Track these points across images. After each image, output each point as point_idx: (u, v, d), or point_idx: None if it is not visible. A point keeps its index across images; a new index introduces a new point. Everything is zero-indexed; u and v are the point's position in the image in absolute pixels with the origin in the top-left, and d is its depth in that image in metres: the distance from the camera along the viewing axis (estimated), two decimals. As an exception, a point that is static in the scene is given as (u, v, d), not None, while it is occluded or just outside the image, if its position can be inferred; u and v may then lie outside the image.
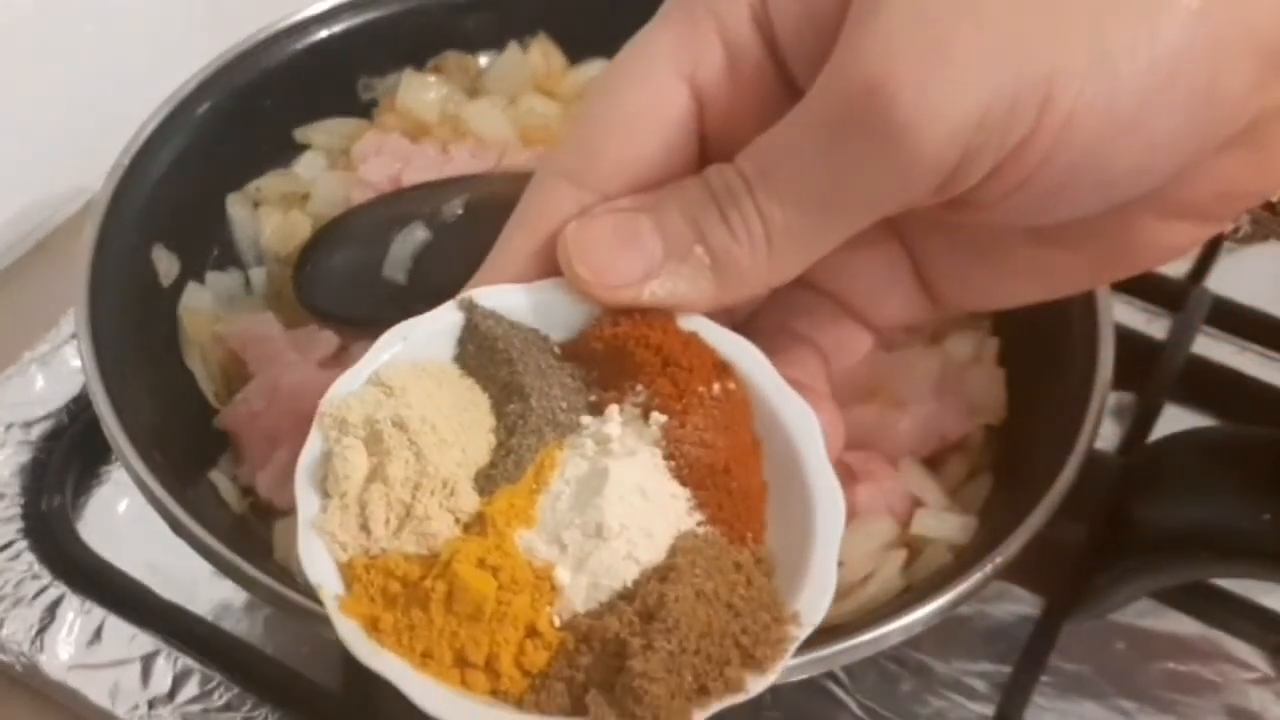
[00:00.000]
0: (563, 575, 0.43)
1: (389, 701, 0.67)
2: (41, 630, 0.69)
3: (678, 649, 0.42)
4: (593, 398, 0.47)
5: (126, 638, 0.69)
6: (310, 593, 0.58)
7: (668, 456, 0.45)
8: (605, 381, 0.47)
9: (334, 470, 0.45)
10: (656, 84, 0.46)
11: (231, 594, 0.72)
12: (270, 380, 0.68)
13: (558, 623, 0.43)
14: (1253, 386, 0.83)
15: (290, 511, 0.66)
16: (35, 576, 0.71)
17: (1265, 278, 0.89)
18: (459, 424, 0.46)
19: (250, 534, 0.66)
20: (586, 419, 0.47)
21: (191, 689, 0.68)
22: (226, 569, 0.57)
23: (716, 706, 0.43)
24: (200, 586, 0.72)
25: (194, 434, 0.69)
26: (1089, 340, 0.64)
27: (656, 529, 0.44)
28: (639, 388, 0.46)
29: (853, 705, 0.69)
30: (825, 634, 0.59)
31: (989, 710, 0.68)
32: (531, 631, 0.43)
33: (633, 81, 0.46)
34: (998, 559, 0.57)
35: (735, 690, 0.43)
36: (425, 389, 0.46)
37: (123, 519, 0.76)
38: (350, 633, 0.43)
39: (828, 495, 0.45)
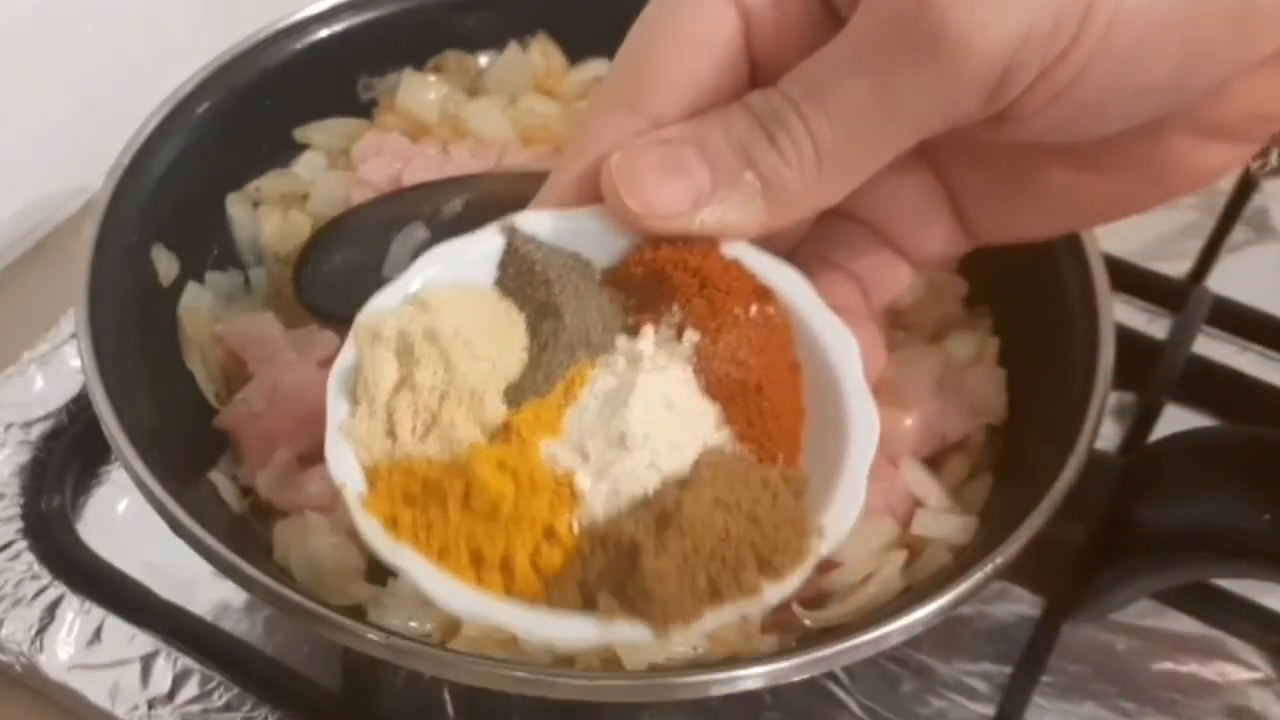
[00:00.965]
0: (583, 482, 0.44)
1: (389, 701, 0.68)
2: (41, 630, 0.69)
3: (691, 551, 0.42)
4: (630, 321, 0.48)
5: (126, 638, 0.69)
6: (310, 592, 0.59)
7: (699, 373, 0.46)
8: (643, 306, 0.48)
9: (364, 378, 0.46)
10: (705, 7, 0.46)
11: (231, 594, 0.72)
12: (270, 380, 0.68)
13: (576, 529, 0.44)
14: (1253, 386, 0.83)
15: (290, 512, 0.66)
16: (35, 576, 0.71)
17: (1266, 278, 0.90)
18: (492, 340, 0.47)
19: (250, 534, 0.66)
20: (621, 340, 0.47)
21: (191, 689, 0.68)
22: (226, 569, 0.57)
23: (730, 611, 0.43)
24: (200, 587, 0.72)
25: (194, 434, 0.69)
26: (1089, 340, 0.64)
27: (682, 441, 0.45)
28: (675, 309, 0.47)
29: (853, 705, 0.69)
30: (825, 634, 0.59)
31: (989, 710, 0.68)
32: (549, 535, 0.43)
33: (681, 6, 0.47)
34: (998, 559, 0.57)
35: (750, 594, 0.43)
36: (460, 307, 0.47)
37: (122, 519, 0.76)
38: (370, 529, 0.44)
39: (863, 417, 0.46)
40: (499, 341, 0.47)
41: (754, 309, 0.47)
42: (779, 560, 0.43)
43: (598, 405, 0.45)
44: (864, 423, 0.46)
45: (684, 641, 0.45)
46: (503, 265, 0.49)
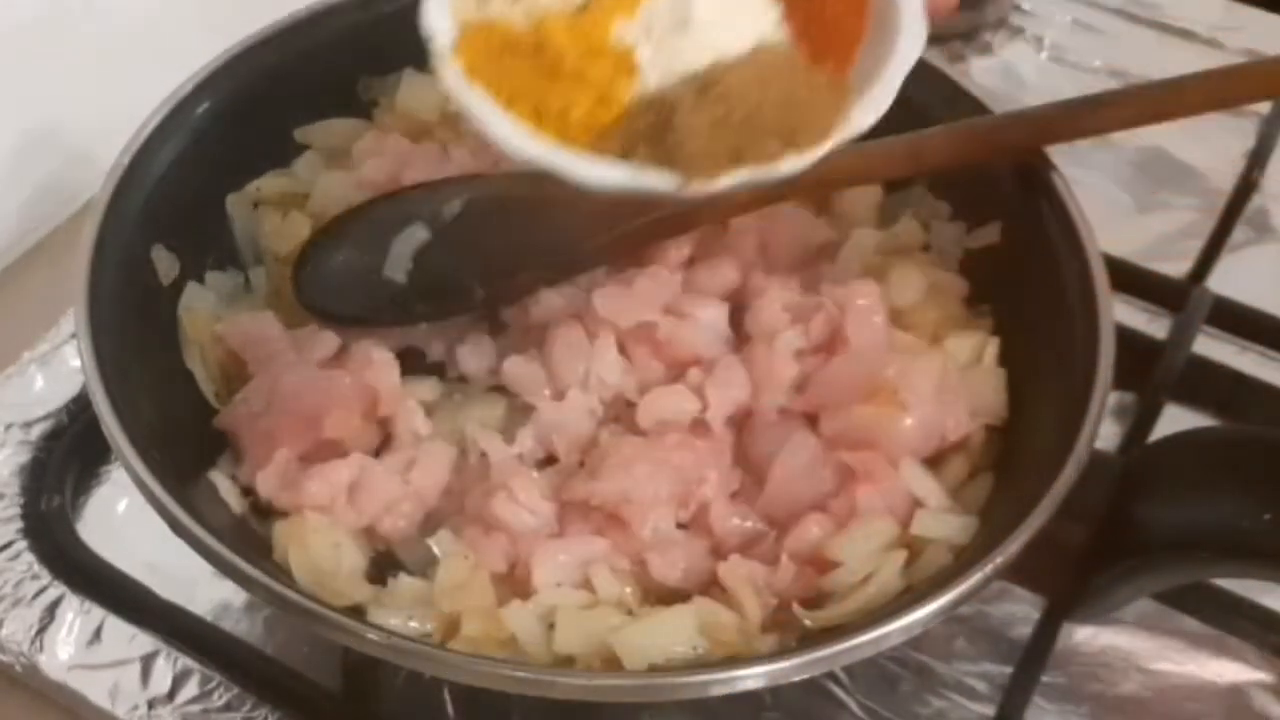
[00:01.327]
0: (643, 54, 0.50)
1: (389, 701, 0.68)
2: (41, 630, 0.69)
3: (724, 115, 0.48)
4: None
5: (126, 638, 0.69)
6: (310, 592, 0.59)
7: None
8: None
9: None
10: None
11: (231, 594, 0.72)
12: (270, 380, 0.68)
13: (628, 97, 0.50)
14: (1254, 386, 0.83)
15: (290, 512, 0.66)
16: (35, 576, 0.71)
17: (1266, 278, 0.90)
18: None
19: (250, 534, 0.66)
20: None
21: (191, 689, 0.68)
22: (226, 569, 0.57)
23: (748, 173, 0.49)
24: (200, 586, 0.72)
25: (193, 434, 0.69)
26: (1089, 340, 0.64)
27: (740, 32, 0.50)
28: None
29: (853, 705, 0.69)
30: (825, 634, 0.59)
31: (990, 710, 0.68)
32: (604, 99, 0.50)
33: None
34: (998, 559, 0.57)
35: (770, 161, 0.49)
36: None
37: (122, 519, 0.76)
38: (451, 73, 0.51)
39: (912, 34, 0.53)
40: None
41: None
42: (802, 138, 0.49)
43: None
44: (911, 39, 0.53)
45: (701, 192, 0.50)
46: None
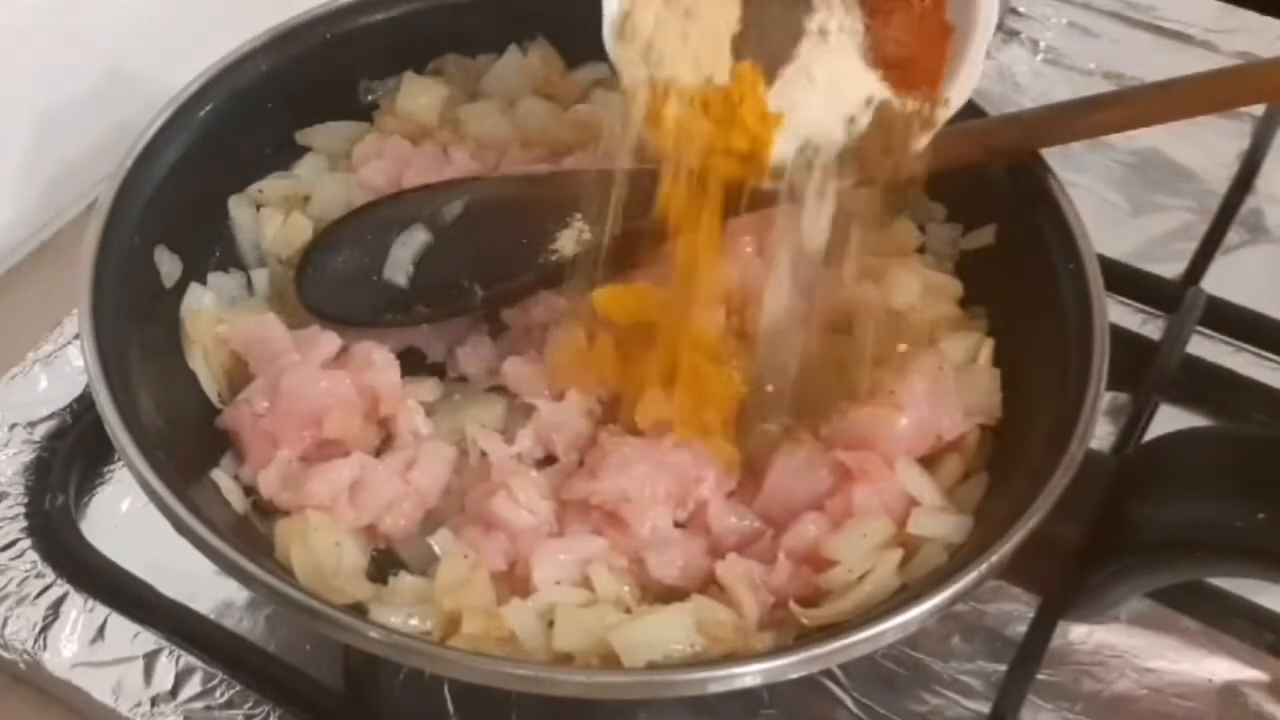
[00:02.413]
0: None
1: (389, 699, 0.68)
2: (45, 628, 0.70)
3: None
4: None
5: (129, 636, 0.70)
6: (311, 591, 0.59)
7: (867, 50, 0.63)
8: None
9: None
10: None
11: (233, 592, 0.72)
12: (272, 380, 0.69)
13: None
14: (1247, 386, 0.84)
15: (291, 511, 0.66)
16: (39, 575, 0.72)
17: (1260, 279, 0.90)
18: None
19: (252, 533, 0.67)
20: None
21: (194, 686, 0.68)
22: (228, 567, 0.58)
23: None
24: (202, 585, 0.72)
25: (196, 433, 0.69)
26: (1084, 341, 0.64)
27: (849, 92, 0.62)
28: None
29: (849, 703, 0.69)
30: (822, 632, 0.60)
31: (984, 708, 0.69)
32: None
33: None
34: (993, 558, 0.57)
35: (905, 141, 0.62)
36: None
37: (125, 518, 0.76)
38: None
39: (987, 11, 0.62)
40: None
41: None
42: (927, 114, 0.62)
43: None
44: (987, 16, 0.62)
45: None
46: None
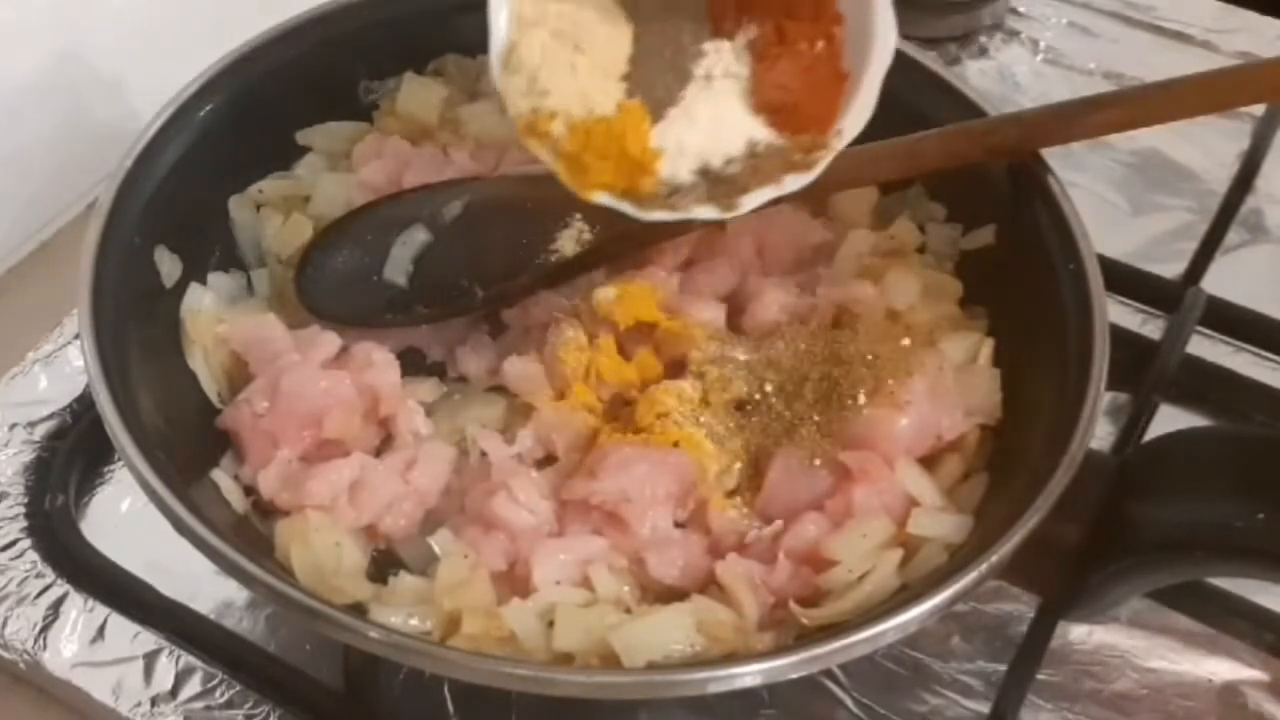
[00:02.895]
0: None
1: (389, 699, 0.68)
2: (45, 628, 0.70)
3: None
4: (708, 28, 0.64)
5: (129, 636, 0.70)
6: (311, 591, 0.59)
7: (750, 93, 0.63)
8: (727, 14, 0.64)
9: None
10: None
11: (233, 592, 0.73)
12: (272, 380, 0.69)
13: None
14: (1247, 386, 0.84)
15: (291, 511, 0.66)
16: (39, 575, 0.72)
17: (1260, 279, 0.90)
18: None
19: (252, 533, 0.67)
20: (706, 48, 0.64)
21: (194, 686, 0.68)
22: (228, 567, 0.58)
23: (762, 194, 0.61)
24: (202, 585, 0.72)
25: (196, 433, 0.69)
26: (1084, 341, 0.64)
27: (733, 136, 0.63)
28: (753, 29, 0.63)
29: (849, 703, 0.69)
30: (822, 632, 0.60)
31: (984, 708, 0.69)
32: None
33: None
34: (993, 558, 0.57)
35: (776, 184, 0.61)
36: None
37: (125, 518, 0.76)
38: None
39: (884, 38, 0.62)
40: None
41: (820, 45, 0.62)
42: (801, 159, 0.62)
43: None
44: (884, 43, 0.62)
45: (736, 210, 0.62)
46: None
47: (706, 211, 0.62)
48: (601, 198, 0.62)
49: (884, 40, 0.63)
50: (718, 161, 0.63)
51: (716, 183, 0.62)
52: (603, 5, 0.63)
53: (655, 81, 0.63)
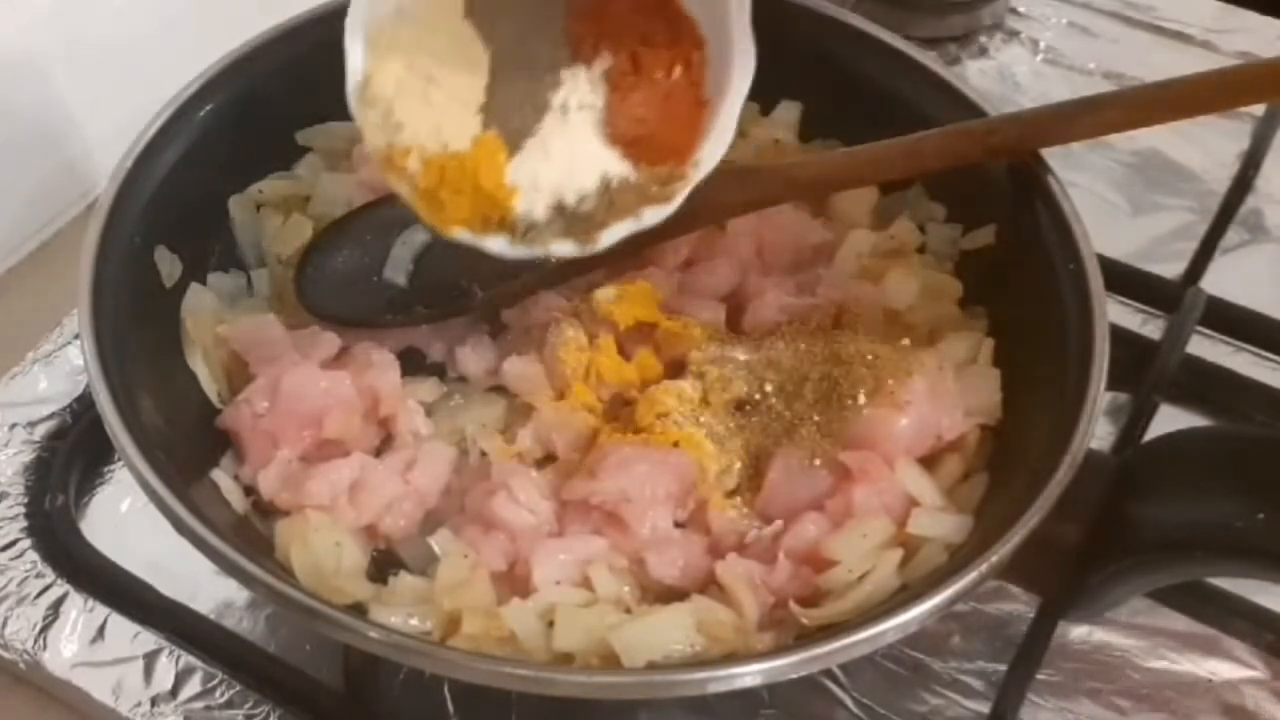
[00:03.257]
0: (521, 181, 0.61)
1: (389, 699, 0.68)
2: (45, 628, 0.70)
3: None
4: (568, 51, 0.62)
5: (129, 635, 0.70)
6: (311, 591, 0.59)
7: (605, 124, 0.62)
8: (585, 39, 0.62)
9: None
10: None
11: (233, 592, 0.73)
12: (272, 380, 0.69)
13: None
14: (1247, 386, 0.84)
15: (291, 511, 0.66)
16: (39, 575, 0.72)
17: (1260, 279, 0.90)
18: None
19: (252, 533, 0.67)
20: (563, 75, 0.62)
21: (194, 686, 0.68)
22: (228, 567, 0.58)
23: (619, 229, 0.61)
24: (202, 585, 0.72)
25: (196, 433, 0.69)
26: (1084, 341, 0.64)
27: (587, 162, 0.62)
28: (607, 56, 0.61)
29: (849, 703, 0.69)
30: (822, 632, 0.60)
31: (984, 708, 0.69)
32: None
33: None
34: (993, 558, 0.57)
35: (633, 218, 0.61)
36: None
37: (125, 518, 0.76)
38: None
39: (744, 54, 0.60)
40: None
41: (677, 72, 0.60)
42: (658, 192, 0.61)
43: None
44: (742, 69, 0.60)
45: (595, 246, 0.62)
46: None
47: (565, 248, 0.62)
48: (461, 234, 0.61)
49: (742, 66, 0.61)
50: (572, 199, 0.62)
51: (573, 219, 0.62)
52: (458, 32, 0.62)
53: (512, 112, 0.62)
